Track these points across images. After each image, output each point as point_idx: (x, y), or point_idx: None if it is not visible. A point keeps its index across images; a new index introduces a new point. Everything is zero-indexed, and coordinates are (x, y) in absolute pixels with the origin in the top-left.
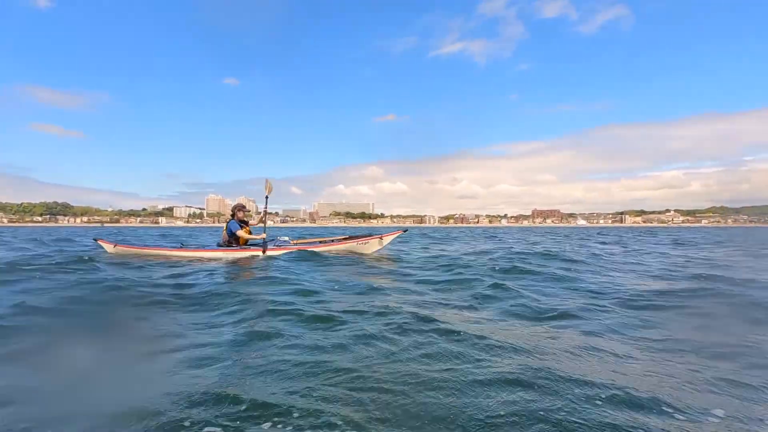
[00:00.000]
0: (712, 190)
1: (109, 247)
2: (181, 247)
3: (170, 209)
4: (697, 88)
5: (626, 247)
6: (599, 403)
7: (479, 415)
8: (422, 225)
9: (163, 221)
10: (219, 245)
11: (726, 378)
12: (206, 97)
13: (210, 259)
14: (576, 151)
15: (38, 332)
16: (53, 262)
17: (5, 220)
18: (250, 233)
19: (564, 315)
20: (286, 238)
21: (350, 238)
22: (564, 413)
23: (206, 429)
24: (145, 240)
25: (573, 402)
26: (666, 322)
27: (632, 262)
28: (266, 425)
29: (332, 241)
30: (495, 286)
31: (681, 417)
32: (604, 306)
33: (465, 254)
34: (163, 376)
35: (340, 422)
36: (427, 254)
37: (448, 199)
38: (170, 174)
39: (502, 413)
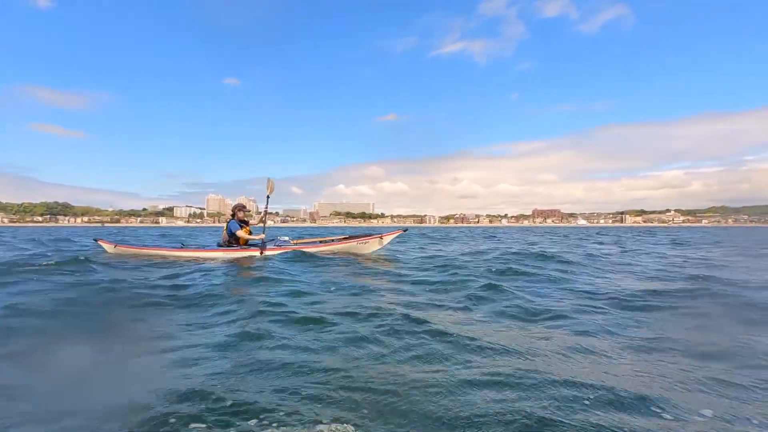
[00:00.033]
0: (713, 190)
1: (109, 248)
2: (181, 248)
3: (171, 209)
4: (697, 87)
5: (623, 248)
6: (587, 403)
7: (467, 415)
8: (422, 225)
9: (163, 221)
10: (219, 245)
11: (717, 378)
12: (206, 97)
13: (209, 260)
14: (576, 151)
15: (31, 333)
16: (51, 262)
17: (6, 220)
18: (250, 233)
19: (556, 316)
20: (287, 238)
21: (350, 237)
22: (552, 413)
23: (192, 425)
24: (143, 240)
25: (561, 402)
26: (658, 323)
27: (628, 263)
28: (252, 422)
29: (332, 240)
30: (488, 286)
31: (669, 417)
32: (596, 307)
33: (461, 254)
34: (152, 375)
35: (326, 420)
36: (424, 254)
37: (449, 198)
38: (170, 174)
39: (489, 413)
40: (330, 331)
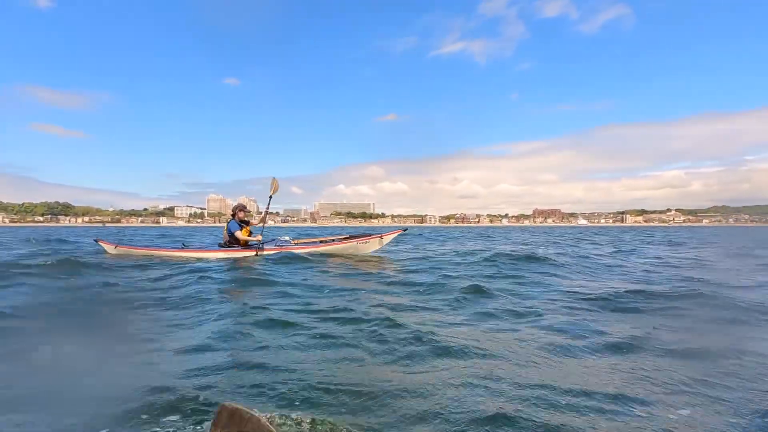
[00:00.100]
0: (713, 190)
1: (110, 248)
2: (182, 248)
3: (171, 209)
4: (697, 87)
5: (617, 248)
6: (564, 402)
7: (441, 417)
8: (423, 225)
9: (164, 221)
10: (220, 245)
11: (696, 378)
12: (206, 97)
13: (206, 260)
14: (577, 151)
15: (13, 335)
16: (47, 263)
17: (6, 221)
18: (250, 233)
19: (538, 317)
20: (287, 238)
21: (350, 237)
22: (527, 413)
23: (166, 417)
24: (138, 241)
25: (537, 402)
26: (641, 324)
27: (618, 264)
28: None
29: (332, 240)
30: (473, 288)
31: (644, 415)
32: (578, 308)
33: (454, 255)
34: (129, 372)
35: (300, 417)
36: (416, 255)
37: (449, 198)
38: (171, 174)
39: (463, 412)
40: (311, 332)
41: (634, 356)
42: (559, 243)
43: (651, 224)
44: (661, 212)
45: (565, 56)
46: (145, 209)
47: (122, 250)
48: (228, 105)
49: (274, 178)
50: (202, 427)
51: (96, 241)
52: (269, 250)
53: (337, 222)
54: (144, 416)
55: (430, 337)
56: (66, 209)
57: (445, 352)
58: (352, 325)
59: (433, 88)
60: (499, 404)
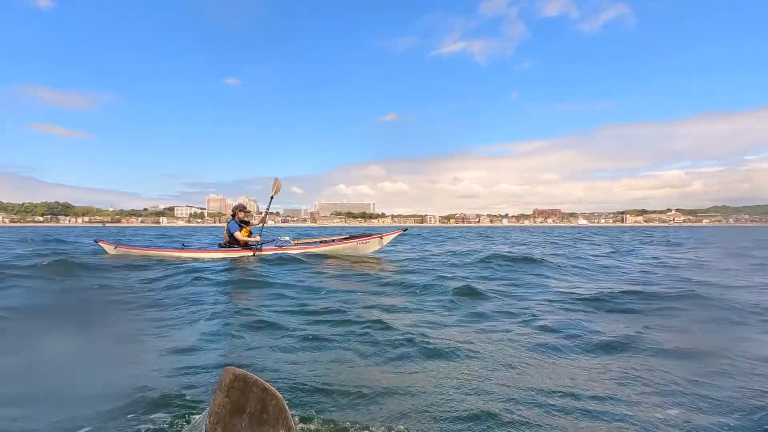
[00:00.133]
0: (714, 190)
1: (109, 248)
2: (182, 248)
3: (171, 209)
4: (697, 87)
5: (614, 249)
6: (552, 402)
7: (428, 415)
8: (423, 225)
9: (164, 221)
10: (220, 246)
11: (687, 378)
12: (206, 97)
13: (204, 260)
14: (577, 151)
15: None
16: (42, 264)
17: (7, 221)
18: (250, 234)
19: (530, 318)
20: (287, 238)
21: (350, 237)
22: (514, 414)
23: (155, 414)
24: (138, 241)
25: (525, 403)
26: (634, 324)
27: (615, 265)
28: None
29: (333, 241)
30: (467, 289)
31: (631, 414)
32: (573, 309)
33: (451, 255)
34: (115, 372)
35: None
36: (413, 255)
37: (450, 198)
38: (171, 174)
39: (451, 413)
40: (302, 334)
41: (625, 357)
42: (557, 243)
43: (651, 224)
44: (661, 212)
45: (566, 56)
46: (145, 209)
47: (122, 250)
48: (228, 105)
49: (276, 179)
50: (188, 424)
51: (96, 241)
52: (268, 251)
53: (337, 222)
54: (130, 414)
55: (421, 338)
56: (66, 209)
57: (435, 353)
58: (344, 327)
59: (433, 87)
60: (486, 404)
